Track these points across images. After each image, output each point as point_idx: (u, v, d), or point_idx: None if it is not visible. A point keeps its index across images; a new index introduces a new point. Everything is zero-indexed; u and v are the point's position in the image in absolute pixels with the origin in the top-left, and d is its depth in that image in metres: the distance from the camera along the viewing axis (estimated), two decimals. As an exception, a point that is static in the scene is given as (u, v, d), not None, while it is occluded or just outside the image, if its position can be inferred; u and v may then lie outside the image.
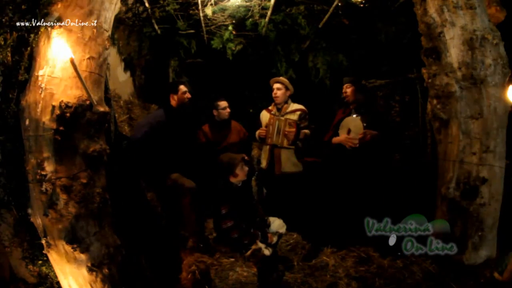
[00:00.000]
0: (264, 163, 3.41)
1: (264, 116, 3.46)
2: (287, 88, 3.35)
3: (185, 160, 3.11)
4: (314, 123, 3.40)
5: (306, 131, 3.33)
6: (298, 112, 3.32)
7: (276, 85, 3.35)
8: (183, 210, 2.89)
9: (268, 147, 3.34)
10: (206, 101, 3.64)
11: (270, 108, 3.47)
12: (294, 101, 3.43)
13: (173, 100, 3.09)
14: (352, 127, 2.90)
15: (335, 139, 3.07)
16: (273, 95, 3.35)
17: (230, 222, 2.87)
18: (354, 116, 2.99)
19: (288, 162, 3.28)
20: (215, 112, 3.50)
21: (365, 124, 2.85)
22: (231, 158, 3.07)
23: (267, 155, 3.36)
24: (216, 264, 2.75)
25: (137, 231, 2.47)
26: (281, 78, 3.41)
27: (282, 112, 3.34)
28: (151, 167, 2.93)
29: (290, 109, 3.34)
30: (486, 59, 2.34)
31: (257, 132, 3.44)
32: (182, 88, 3.08)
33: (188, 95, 3.10)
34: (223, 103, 3.47)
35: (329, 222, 2.96)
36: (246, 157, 3.10)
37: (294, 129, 3.22)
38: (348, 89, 3.08)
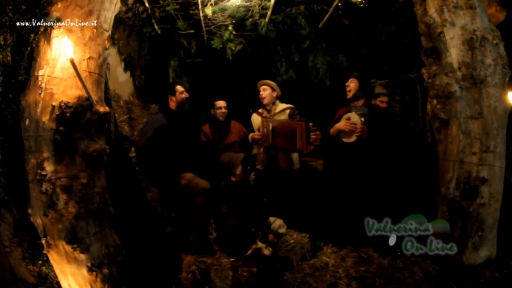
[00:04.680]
0: (259, 165, 3.41)
1: (256, 119, 3.48)
2: (273, 89, 3.38)
3: (190, 159, 3.12)
4: (314, 123, 3.39)
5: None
6: (287, 111, 3.34)
7: (262, 87, 3.40)
8: (193, 210, 2.90)
9: (263, 149, 3.35)
10: (205, 101, 3.65)
11: (260, 111, 3.50)
12: (295, 101, 3.44)
13: (172, 102, 3.06)
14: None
15: (334, 128, 2.92)
16: (260, 96, 3.40)
17: (232, 221, 2.88)
18: (353, 112, 2.95)
19: (285, 161, 3.29)
20: (212, 112, 3.51)
21: (363, 119, 2.82)
22: (232, 158, 3.08)
23: (262, 157, 3.36)
24: (216, 264, 2.75)
25: (137, 231, 2.47)
26: (267, 80, 3.44)
27: (271, 113, 3.37)
28: (159, 170, 2.94)
29: (278, 109, 3.38)
30: (486, 59, 2.34)
31: (250, 136, 3.44)
32: (179, 88, 3.05)
33: (185, 94, 3.07)
34: (219, 103, 3.47)
35: (329, 222, 2.95)
36: (246, 157, 3.11)
37: (318, 133, 3.07)
38: (352, 83, 2.93)
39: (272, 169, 3.31)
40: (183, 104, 3.07)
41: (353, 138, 2.80)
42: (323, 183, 3.19)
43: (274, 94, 3.39)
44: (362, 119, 2.79)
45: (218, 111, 3.46)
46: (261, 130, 3.29)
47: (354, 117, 2.84)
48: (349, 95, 2.96)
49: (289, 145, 3.11)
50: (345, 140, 2.86)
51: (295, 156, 3.36)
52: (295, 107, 3.38)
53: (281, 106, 3.41)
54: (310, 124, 3.04)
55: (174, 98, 3.05)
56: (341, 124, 2.87)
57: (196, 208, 2.90)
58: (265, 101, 3.37)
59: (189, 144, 3.20)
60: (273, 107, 3.40)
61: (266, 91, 3.36)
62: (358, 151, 2.80)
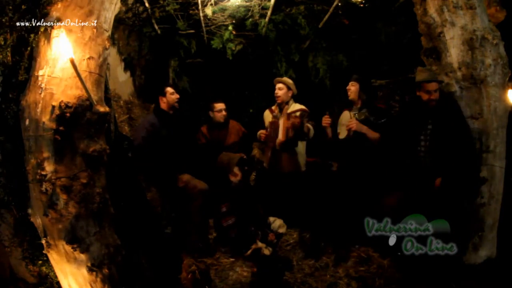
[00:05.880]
0: (265, 163, 3.41)
1: (267, 116, 3.45)
2: (289, 88, 3.31)
3: (187, 160, 3.11)
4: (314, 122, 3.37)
5: (309, 124, 3.23)
6: (298, 113, 3.28)
7: (278, 85, 3.34)
8: (192, 211, 2.90)
9: (270, 148, 3.33)
10: (205, 101, 3.64)
11: (273, 108, 3.44)
12: (295, 101, 3.41)
13: (163, 103, 3.10)
14: (345, 123, 2.93)
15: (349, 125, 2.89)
16: (275, 94, 3.33)
17: (231, 220, 2.89)
18: (346, 111, 2.97)
19: (290, 162, 3.28)
20: (210, 114, 3.46)
21: (356, 115, 2.83)
22: (230, 158, 3.08)
23: (268, 157, 3.34)
24: (216, 264, 2.76)
25: (137, 231, 2.47)
26: (284, 78, 3.39)
27: (283, 113, 3.32)
28: (156, 169, 2.94)
29: (290, 109, 3.31)
30: (486, 59, 2.34)
31: (258, 132, 3.43)
32: (169, 89, 3.09)
33: (176, 95, 3.11)
34: (218, 105, 3.43)
35: (329, 222, 2.95)
36: (245, 157, 3.11)
37: (298, 120, 3.15)
38: (352, 87, 2.97)
39: (276, 170, 3.30)
40: (174, 105, 3.11)
41: (344, 134, 2.86)
42: (324, 183, 3.18)
43: (290, 94, 3.32)
44: (355, 114, 2.82)
45: (219, 113, 3.42)
46: (268, 130, 3.27)
47: (346, 115, 2.92)
48: (350, 97, 2.98)
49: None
50: (339, 137, 2.93)
51: (300, 158, 3.33)
52: (307, 109, 3.31)
53: (293, 106, 3.34)
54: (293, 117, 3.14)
55: (164, 99, 3.09)
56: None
57: (195, 210, 2.90)
58: (279, 100, 3.31)
59: (185, 144, 3.20)
60: (286, 106, 3.33)
61: (281, 90, 3.30)
62: (358, 150, 2.81)
